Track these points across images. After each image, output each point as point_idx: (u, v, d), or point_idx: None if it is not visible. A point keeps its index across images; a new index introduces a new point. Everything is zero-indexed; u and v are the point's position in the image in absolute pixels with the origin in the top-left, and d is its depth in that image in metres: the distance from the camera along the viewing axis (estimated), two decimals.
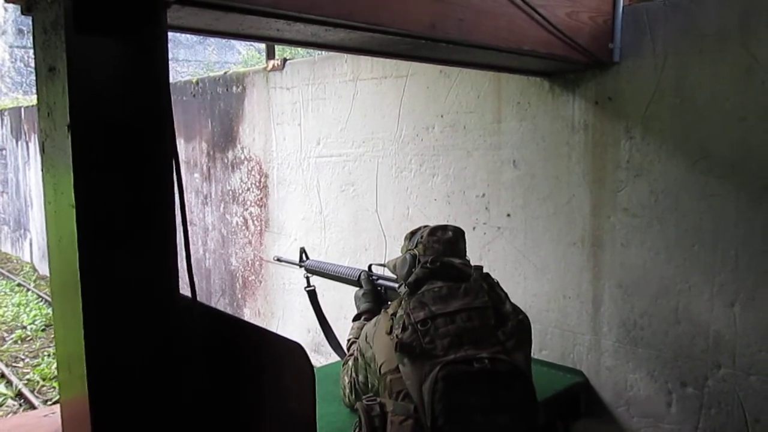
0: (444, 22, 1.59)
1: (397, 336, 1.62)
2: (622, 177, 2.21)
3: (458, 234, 1.92)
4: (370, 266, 2.34)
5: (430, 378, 1.54)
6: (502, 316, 1.68)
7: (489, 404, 1.54)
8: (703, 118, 2.00)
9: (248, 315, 4.35)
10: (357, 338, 2.06)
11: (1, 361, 5.66)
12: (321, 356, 3.55)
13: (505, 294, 1.76)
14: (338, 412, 2.01)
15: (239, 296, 4.47)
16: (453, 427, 1.52)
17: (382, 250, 3.18)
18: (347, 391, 1.98)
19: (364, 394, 1.83)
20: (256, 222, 4.18)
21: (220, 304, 4.63)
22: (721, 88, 1.95)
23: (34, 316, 6.97)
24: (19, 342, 6.27)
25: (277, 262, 2.78)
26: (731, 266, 1.97)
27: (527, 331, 1.73)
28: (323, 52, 3.38)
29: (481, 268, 1.80)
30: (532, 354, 1.77)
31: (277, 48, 4.01)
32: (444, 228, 1.91)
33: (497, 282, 1.79)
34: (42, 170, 1.05)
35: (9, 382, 5.19)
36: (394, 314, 1.72)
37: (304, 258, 2.59)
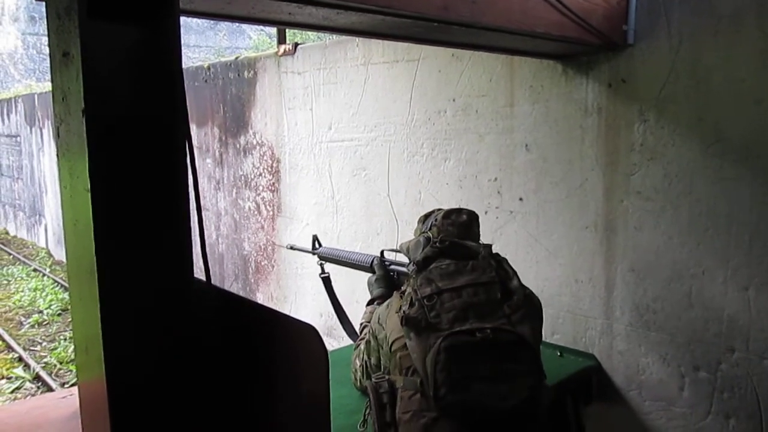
0: (456, 4, 1.57)
1: (403, 311, 1.63)
2: (635, 160, 2.19)
3: (472, 217, 1.93)
4: (382, 252, 2.34)
5: (433, 349, 1.55)
6: (509, 291, 1.68)
7: (491, 373, 1.55)
8: (718, 101, 1.97)
9: (261, 299, 4.38)
10: (369, 322, 2.08)
11: (19, 344, 5.74)
12: (333, 340, 3.57)
13: (513, 270, 1.76)
14: (351, 395, 2.03)
15: (252, 281, 4.50)
16: (455, 397, 1.53)
17: (394, 235, 3.18)
18: (359, 374, 2.00)
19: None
20: (268, 207, 4.19)
21: (233, 288, 4.67)
22: (736, 70, 1.93)
23: (51, 300, 7.06)
24: (36, 326, 6.36)
25: (290, 249, 2.79)
26: (745, 250, 1.96)
27: (535, 306, 1.73)
28: (334, 36, 3.38)
29: (489, 246, 1.80)
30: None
31: (288, 32, 4.00)
32: (458, 211, 1.92)
33: (505, 259, 1.79)
34: (57, 155, 1.06)
35: (27, 366, 5.27)
36: (403, 292, 1.74)
37: (317, 245, 2.60)
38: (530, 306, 1.70)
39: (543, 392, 1.62)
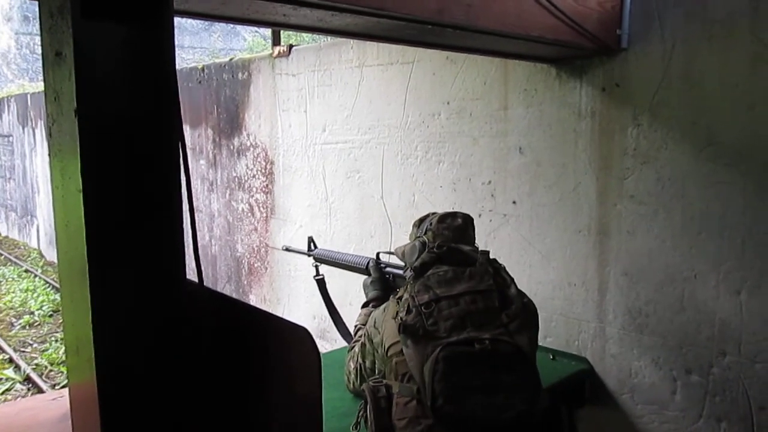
0: (451, 7, 1.58)
1: (401, 318, 1.63)
2: (628, 164, 2.20)
3: (467, 221, 1.92)
4: (378, 254, 2.34)
5: (431, 359, 1.55)
6: (507, 299, 1.68)
7: (489, 385, 1.54)
8: (712, 105, 1.98)
9: (254, 301, 4.37)
10: (364, 324, 2.07)
11: (10, 346, 5.71)
12: (326, 342, 3.57)
13: (511, 278, 1.76)
14: (343, 398, 2.03)
15: (245, 283, 4.49)
16: (453, 408, 1.52)
17: (387, 237, 3.18)
18: (352, 376, 1.99)
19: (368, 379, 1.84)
20: (261, 209, 4.18)
21: (226, 290, 4.66)
22: (729, 74, 1.94)
23: (42, 301, 7.03)
24: (27, 327, 6.33)
25: (285, 251, 2.79)
26: (737, 254, 1.97)
27: (532, 314, 1.73)
28: (329, 38, 3.37)
29: (487, 252, 1.80)
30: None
31: (283, 34, 4.00)
32: (453, 215, 1.91)
33: (503, 266, 1.79)
34: (49, 155, 1.06)
35: (17, 367, 5.24)
36: (400, 298, 1.73)
37: (312, 247, 2.59)
38: (527, 315, 1.69)
39: (540, 403, 1.61)
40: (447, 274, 1.71)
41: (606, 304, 2.32)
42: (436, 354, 1.54)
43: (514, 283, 1.74)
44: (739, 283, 1.97)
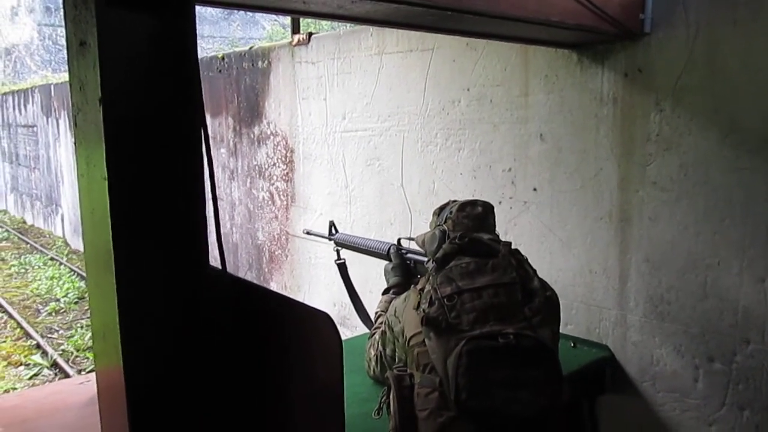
0: None
1: (423, 310, 1.63)
2: (651, 150, 2.18)
3: (487, 209, 1.91)
4: (399, 240, 2.34)
5: (455, 353, 1.55)
6: (530, 293, 1.67)
7: (513, 380, 1.54)
8: (736, 91, 1.95)
9: (275, 288, 4.40)
10: (384, 311, 2.08)
11: (37, 332, 5.83)
12: (347, 329, 3.59)
13: (534, 270, 1.75)
14: (364, 383, 2.04)
15: (266, 270, 4.52)
16: (476, 402, 1.52)
17: (407, 225, 3.18)
18: (372, 363, 2.01)
19: (390, 367, 1.85)
20: (282, 197, 4.21)
21: (248, 277, 4.70)
22: (754, 59, 1.90)
23: (67, 289, 7.15)
24: (54, 314, 6.45)
25: (306, 235, 2.81)
26: (762, 241, 1.94)
27: (555, 307, 1.72)
28: (348, 25, 3.37)
29: (509, 244, 1.79)
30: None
31: (302, 22, 4.00)
32: (473, 203, 1.90)
33: (526, 258, 1.78)
34: (74, 144, 1.07)
35: (45, 353, 5.35)
36: (422, 289, 1.73)
37: (333, 231, 2.61)
38: (550, 309, 1.69)
39: (561, 397, 1.61)
40: (469, 266, 1.70)
41: (627, 292, 2.31)
42: (459, 348, 1.54)
43: (537, 276, 1.73)
44: (763, 271, 1.95)
